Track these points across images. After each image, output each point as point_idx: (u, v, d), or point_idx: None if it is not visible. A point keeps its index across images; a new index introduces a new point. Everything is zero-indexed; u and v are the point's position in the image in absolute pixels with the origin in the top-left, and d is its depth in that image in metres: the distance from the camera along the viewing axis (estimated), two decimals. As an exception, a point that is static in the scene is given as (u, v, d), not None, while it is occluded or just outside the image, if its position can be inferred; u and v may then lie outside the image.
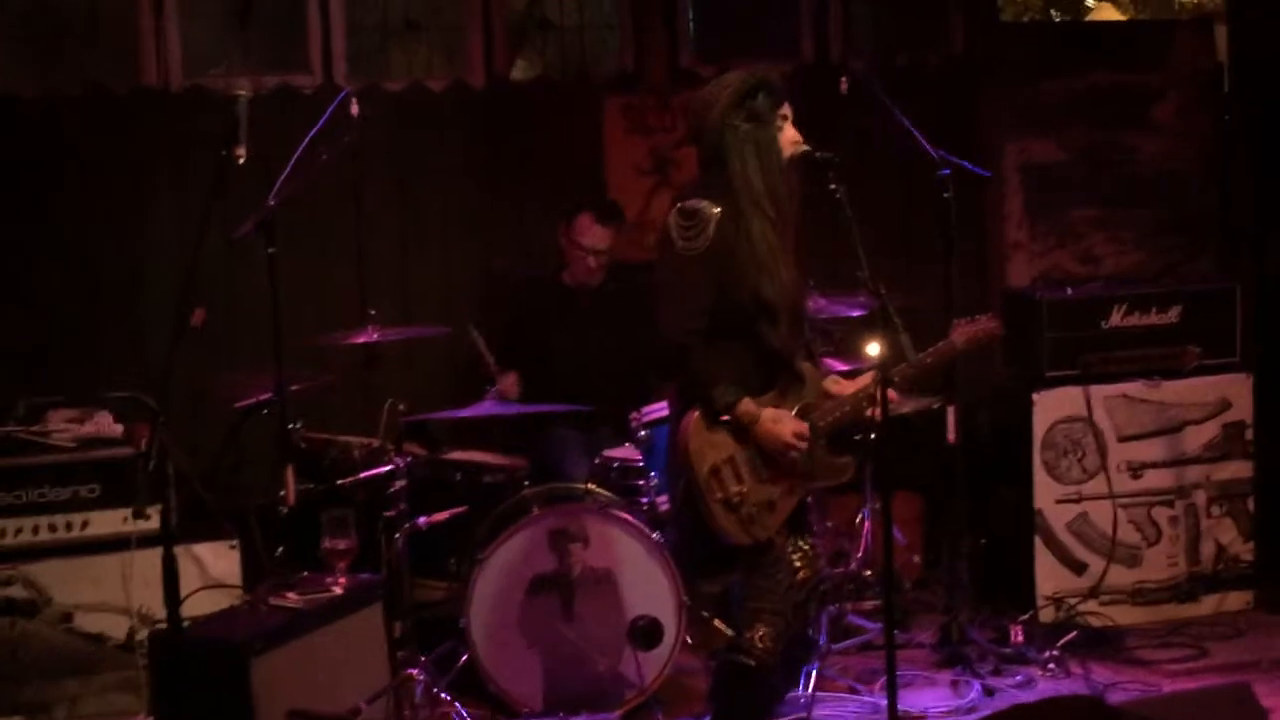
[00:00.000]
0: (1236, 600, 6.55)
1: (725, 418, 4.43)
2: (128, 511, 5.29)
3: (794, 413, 4.50)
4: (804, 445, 4.46)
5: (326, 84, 6.98)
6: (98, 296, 6.68)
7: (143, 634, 5.22)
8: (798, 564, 4.60)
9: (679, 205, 4.44)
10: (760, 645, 4.46)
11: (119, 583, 5.30)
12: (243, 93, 3.81)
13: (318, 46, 7.03)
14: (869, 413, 4.59)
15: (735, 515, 4.42)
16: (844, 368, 6.02)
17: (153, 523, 4.52)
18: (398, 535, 5.19)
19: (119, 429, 5.59)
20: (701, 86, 4.64)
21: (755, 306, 4.41)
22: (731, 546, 4.46)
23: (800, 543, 4.63)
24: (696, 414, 4.43)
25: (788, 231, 4.51)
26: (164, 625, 4.02)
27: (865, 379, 4.67)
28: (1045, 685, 5.74)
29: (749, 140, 4.44)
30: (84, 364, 6.48)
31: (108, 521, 5.40)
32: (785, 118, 4.53)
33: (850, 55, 7.51)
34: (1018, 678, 5.79)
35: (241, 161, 3.77)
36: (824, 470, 4.62)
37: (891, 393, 4.53)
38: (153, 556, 3.75)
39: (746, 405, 4.43)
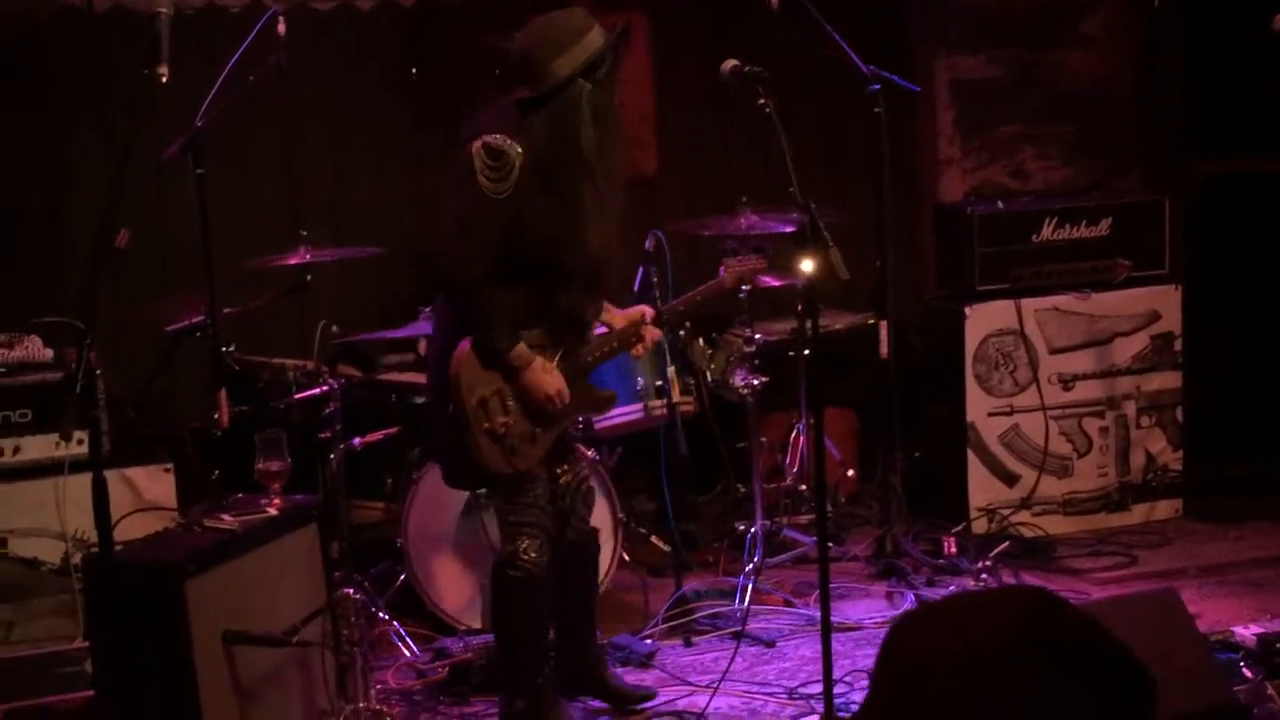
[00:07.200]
0: (1165, 509, 6.65)
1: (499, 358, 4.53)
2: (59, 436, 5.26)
3: (558, 355, 4.63)
4: (560, 403, 4.59)
5: (253, 3, 6.87)
6: (23, 221, 6.59)
7: (77, 558, 5.20)
8: (562, 479, 4.80)
9: (484, 141, 4.44)
10: (526, 557, 4.64)
11: (53, 508, 5.26)
12: (163, 9, 3.73)
13: (244, -35, 6.92)
14: (636, 350, 4.87)
15: (499, 446, 4.57)
16: (776, 284, 6.07)
17: (84, 447, 4.48)
18: (332, 456, 5.19)
19: (49, 353, 5.53)
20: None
21: (550, 265, 4.51)
22: (491, 472, 4.62)
23: (560, 467, 4.82)
24: (469, 346, 4.51)
25: (614, 194, 4.60)
26: (97, 549, 4.00)
27: (634, 312, 4.86)
28: (977, 595, 5.82)
29: (593, 101, 4.50)
30: (12, 290, 6.40)
31: (40, 446, 5.34)
32: (617, 80, 4.67)
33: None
34: (951, 588, 5.86)
35: (164, 80, 3.68)
36: (585, 404, 4.85)
37: (652, 331, 4.82)
38: (86, 481, 3.70)
39: (520, 350, 4.53)
